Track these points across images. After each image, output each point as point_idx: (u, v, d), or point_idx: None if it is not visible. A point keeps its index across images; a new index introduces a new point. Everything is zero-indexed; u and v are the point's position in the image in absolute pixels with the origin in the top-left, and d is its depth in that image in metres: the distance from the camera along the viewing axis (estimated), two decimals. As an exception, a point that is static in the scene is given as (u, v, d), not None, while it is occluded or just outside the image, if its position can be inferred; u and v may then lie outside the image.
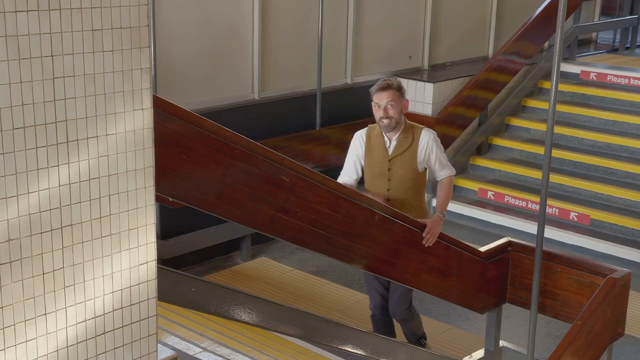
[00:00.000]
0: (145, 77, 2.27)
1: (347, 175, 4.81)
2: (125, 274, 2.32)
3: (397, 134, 4.70)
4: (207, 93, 6.68)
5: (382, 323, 5.06)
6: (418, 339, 5.16)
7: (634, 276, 4.86)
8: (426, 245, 4.31)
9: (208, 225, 6.51)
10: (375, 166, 4.74)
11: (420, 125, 4.81)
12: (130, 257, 2.33)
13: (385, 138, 4.73)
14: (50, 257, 2.14)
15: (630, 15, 10.99)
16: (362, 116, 6.75)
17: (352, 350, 4.29)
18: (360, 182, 4.88)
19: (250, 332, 5.09)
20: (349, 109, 7.61)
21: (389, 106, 4.61)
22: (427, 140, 4.70)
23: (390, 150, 4.72)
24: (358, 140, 4.81)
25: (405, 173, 4.71)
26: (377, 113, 4.66)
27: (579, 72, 9.19)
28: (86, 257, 2.22)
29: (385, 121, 4.63)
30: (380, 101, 4.63)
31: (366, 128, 4.83)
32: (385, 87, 4.65)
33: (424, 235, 4.30)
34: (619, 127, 8.41)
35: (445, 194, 4.83)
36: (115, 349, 2.34)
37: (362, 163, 4.78)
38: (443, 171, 4.81)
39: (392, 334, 5.10)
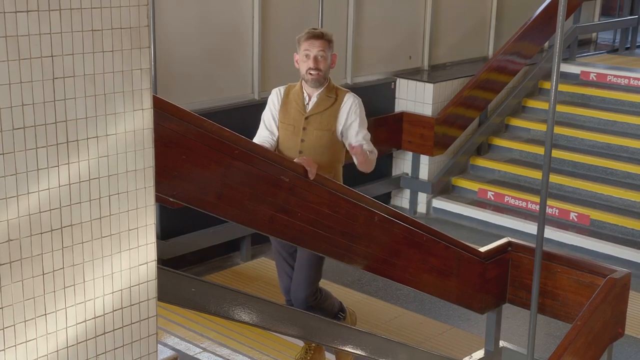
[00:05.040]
0: (145, 77, 2.27)
1: (266, 134, 4.33)
2: (125, 275, 2.32)
3: (320, 91, 4.28)
4: (207, 93, 6.68)
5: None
6: (334, 316, 4.59)
7: (634, 276, 4.87)
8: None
9: (208, 225, 6.51)
10: (289, 124, 4.28)
11: (346, 89, 4.40)
12: (130, 258, 2.33)
13: (305, 94, 4.28)
14: (50, 258, 2.14)
15: (630, 15, 11.00)
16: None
17: (352, 350, 4.29)
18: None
19: (250, 332, 5.09)
20: (349, 109, 7.60)
21: (320, 57, 4.18)
22: (351, 104, 4.27)
23: (309, 108, 4.27)
24: (275, 96, 4.35)
25: (322, 135, 4.25)
26: (305, 64, 4.20)
27: (579, 72, 9.19)
28: (86, 258, 2.22)
29: (314, 73, 4.18)
30: (310, 49, 4.17)
31: (285, 85, 4.41)
32: (318, 36, 4.19)
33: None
34: (618, 128, 8.41)
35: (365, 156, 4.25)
36: (115, 349, 2.33)
37: (277, 120, 4.33)
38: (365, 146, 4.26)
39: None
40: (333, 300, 4.60)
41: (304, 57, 4.21)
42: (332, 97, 4.29)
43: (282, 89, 4.39)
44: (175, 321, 5.20)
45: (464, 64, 9.01)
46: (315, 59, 4.19)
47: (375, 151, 4.37)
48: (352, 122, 4.29)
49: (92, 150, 2.18)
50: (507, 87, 8.73)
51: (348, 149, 4.19)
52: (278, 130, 4.34)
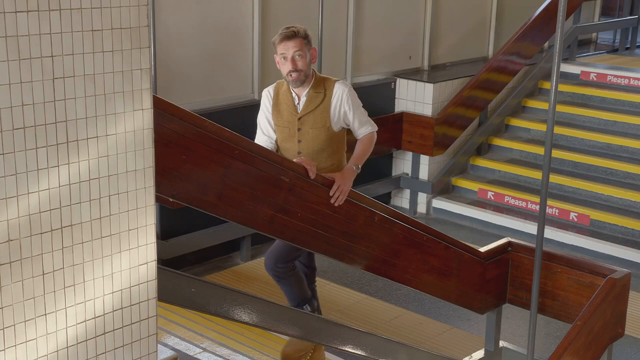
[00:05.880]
0: (145, 77, 2.27)
1: (263, 140, 4.31)
2: (125, 275, 2.32)
3: (307, 89, 4.23)
4: (207, 93, 6.68)
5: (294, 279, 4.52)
6: (299, 302, 4.54)
7: (634, 276, 4.87)
8: (336, 205, 3.76)
9: (208, 225, 6.51)
10: (284, 127, 4.27)
11: (334, 78, 4.34)
12: (130, 258, 2.33)
13: (294, 94, 4.26)
14: (50, 258, 2.14)
15: (630, 15, 11.00)
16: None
17: (352, 351, 4.29)
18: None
19: (250, 332, 5.09)
20: (349, 109, 7.61)
21: (297, 57, 4.14)
22: (341, 94, 4.21)
23: (300, 108, 4.23)
24: (266, 98, 4.34)
25: (318, 133, 4.22)
26: (284, 67, 4.18)
27: (579, 72, 9.19)
28: (86, 258, 2.22)
29: (294, 74, 4.15)
30: (286, 51, 4.15)
31: (274, 84, 4.40)
32: (291, 36, 4.15)
33: (331, 194, 3.75)
34: (619, 128, 8.41)
35: (364, 147, 4.26)
36: (115, 349, 2.34)
37: (273, 123, 4.32)
38: (363, 128, 4.30)
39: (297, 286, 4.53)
40: (303, 288, 4.52)
41: (282, 59, 4.19)
42: (320, 92, 4.24)
43: (271, 89, 4.37)
44: (175, 321, 5.20)
45: (464, 64, 9.01)
46: (293, 60, 4.16)
47: (375, 128, 4.34)
48: (345, 112, 4.26)
49: (92, 150, 2.18)
50: (507, 87, 8.73)
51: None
52: (275, 133, 4.33)
